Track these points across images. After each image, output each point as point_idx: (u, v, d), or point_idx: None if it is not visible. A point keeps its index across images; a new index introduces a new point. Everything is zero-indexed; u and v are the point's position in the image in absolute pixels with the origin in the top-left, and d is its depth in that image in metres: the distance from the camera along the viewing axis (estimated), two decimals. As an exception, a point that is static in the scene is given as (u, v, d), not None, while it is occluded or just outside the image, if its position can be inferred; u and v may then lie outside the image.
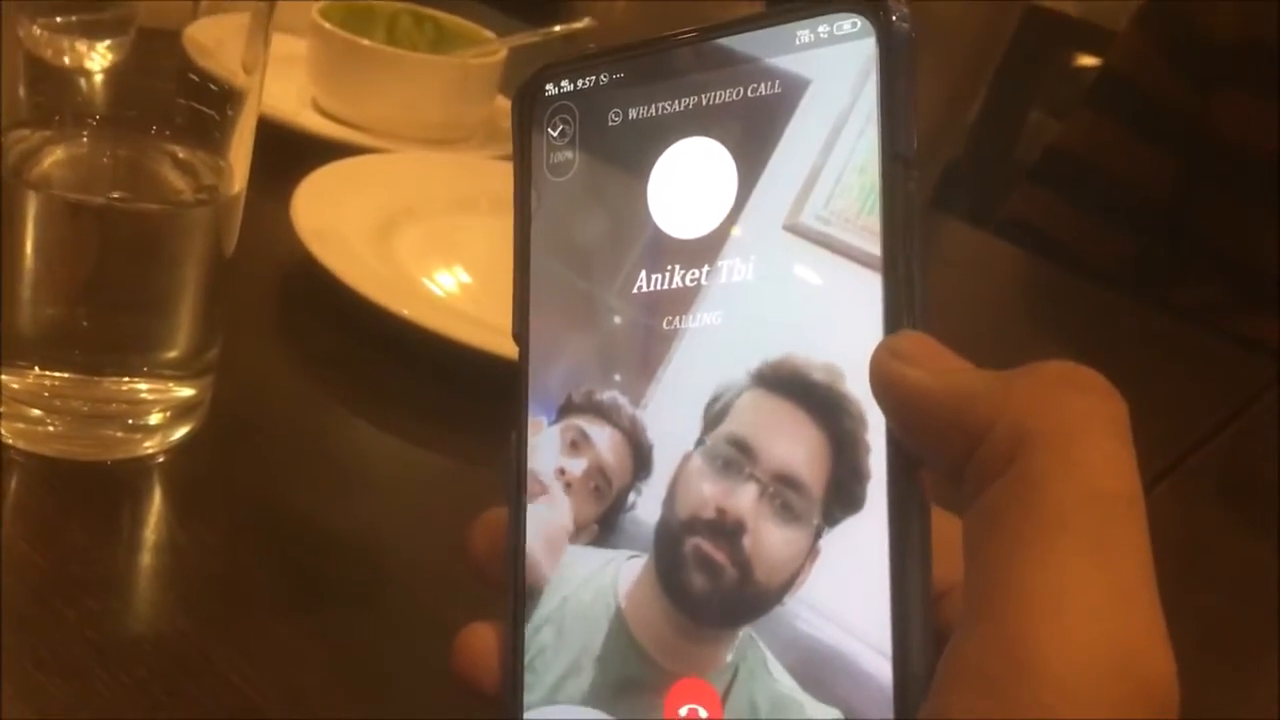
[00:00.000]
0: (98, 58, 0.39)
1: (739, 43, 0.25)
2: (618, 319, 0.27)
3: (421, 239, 0.62)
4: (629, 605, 0.25)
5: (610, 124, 0.27)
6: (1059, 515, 0.19)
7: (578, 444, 0.27)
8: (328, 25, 0.76)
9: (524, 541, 0.27)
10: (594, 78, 0.28)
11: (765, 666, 0.23)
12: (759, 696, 0.23)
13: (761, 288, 0.25)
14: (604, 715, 0.25)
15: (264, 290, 0.57)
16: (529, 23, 0.90)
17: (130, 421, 0.41)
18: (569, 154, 0.28)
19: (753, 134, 0.25)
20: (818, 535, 0.23)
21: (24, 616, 0.33)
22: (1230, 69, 0.97)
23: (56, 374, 0.40)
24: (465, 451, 0.49)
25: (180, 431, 0.43)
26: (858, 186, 0.24)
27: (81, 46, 0.39)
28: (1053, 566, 0.18)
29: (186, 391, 0.42)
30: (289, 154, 0.61)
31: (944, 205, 1.25)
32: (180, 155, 0.41)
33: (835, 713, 0.22)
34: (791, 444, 0.24)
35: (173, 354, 0.41)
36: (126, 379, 0.41)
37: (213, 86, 0.40)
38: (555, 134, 0.28)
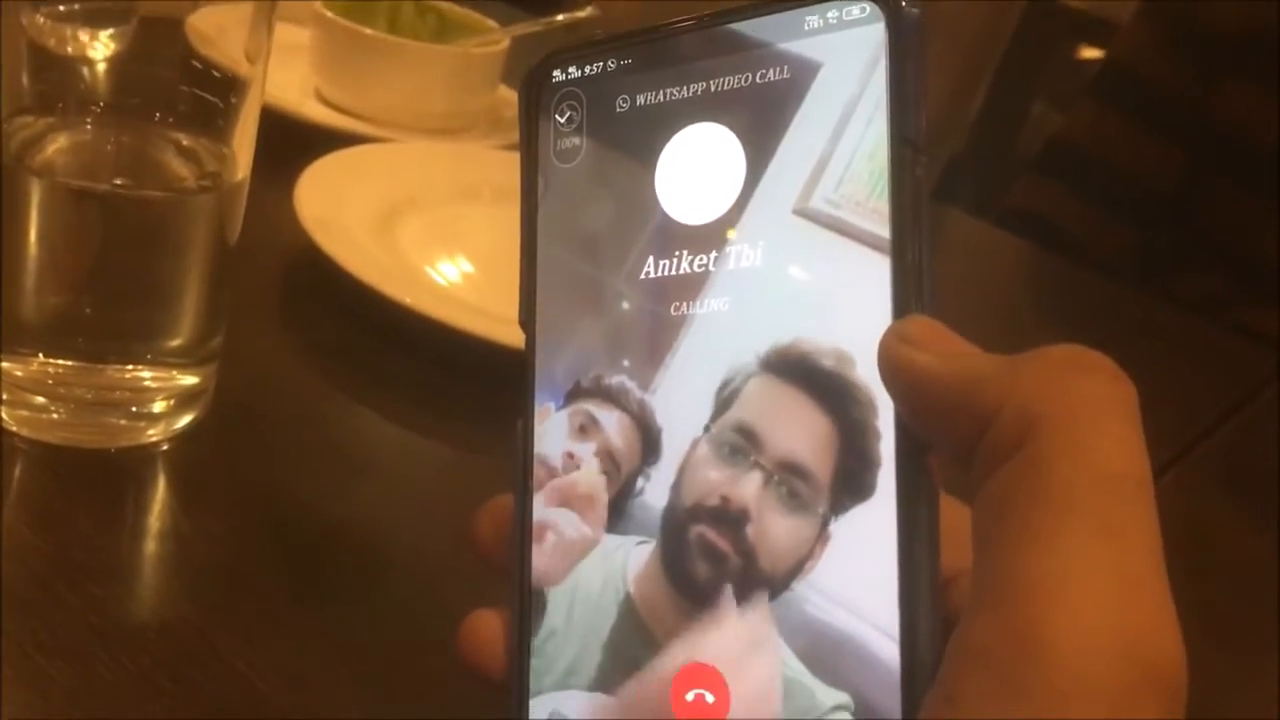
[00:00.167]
0: (100, 46, 0.39)
1: (748, 28, 0.25)
2: (625, 305, 0.27)
3: (424, 228, 0.62)
4: (637, 591, 0.25)
5: (618, 110, 0.27)
6: (1067, 498, 0.19)
7: (586, 428, 0.27)
8: (330, 15, 0.75)
9: (530, 527, 0.27)
10: (601, 64, 0.27)
11: (775, 664, 0.23)
12: (765, 683, 0.23)
13: (770, 273, 0.25)
14: (610, 700, 0.25)
15: (267, 279, 0.57)
16: (531, 12, 0.89)
17: (134, 409, 0.41)
18: (576, 140, 0.28)
19: (762, 119, 0.25)
20: (824, 523, 0.23)
21: (26, 601, 0.33)
22: (1234, 60, 0.97)
23: (60, 361, 0.40)
24: (468, 440, 0.49)
25: (184, 419, 0.43)
26: (867, 172, 0.24)
27: (84, 35, 0.39)
28: (1061, 550, 0.18)
29: (190, 379, 0.42)
30: (292, 144, 0.61)
31: (947, 197, 1.25)
32: (184, 143, 0.41)
33: (843, 696, 0.22)
34: (798, 431, 0.24)
35: (176, 342, 0.41)
36: (130, 367, 0.41)
37: (216, 74, 0.39)
38: (562, 120, 0.28)
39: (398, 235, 0.60)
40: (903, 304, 0.22)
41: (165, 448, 0.42)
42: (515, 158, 0.29)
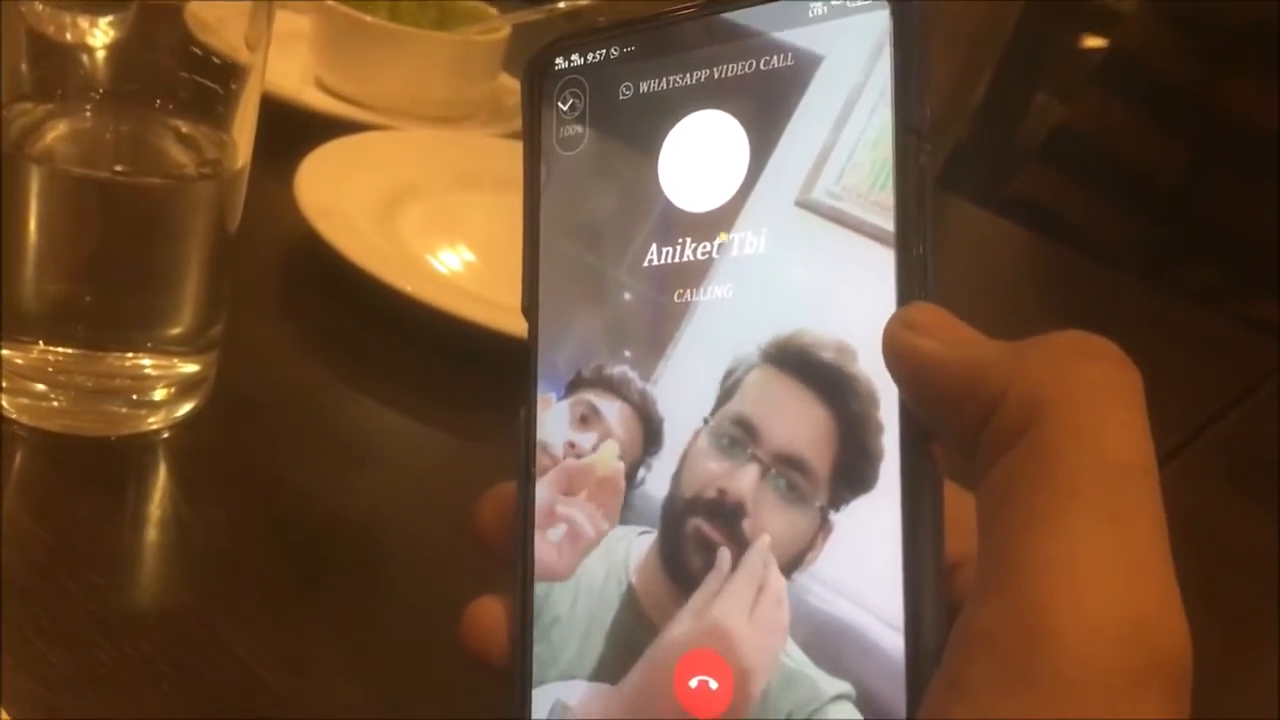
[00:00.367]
0: (99, 34, 0.39)
1: (752, 16, 0.25)
2: (628, 293, 0.27)
3: (424, 217, 0.62)
4: (639, 581, 0.25)
5: (621, 97, 0.27)
6: (1072, 484, 0.18)
7: (587, 418, 0.27)
8: (331, 1, 0.75)
9: (533, 516, 0.27)
10: (605, 51, 0.27)
11: (778, 649, 0.23)
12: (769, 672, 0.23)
13: (773, 262, 0.25)
14: (613, 689, 0.25)
15: (268, 267, 0.57)
16: None
17: (134, 397, 0.41)
18: (579, 128, 0.28)
19: (766, 107, 0.25)
20: (825, 514, 0.23)
21: (27, 589, 0.33)
22: (1240, 50, 0.97)
23: (60, 349, 0.40)
24: (469, 428, 0.49)
25: (184, 407, 0.43)
26: (869, 163, 0.23)
27: (83, 22, 0.38)
28: (1066, 535, 0.18)
29: (191, 367, 0.42)
30: (292, 131, 0.60)
31: (949, 186, 1.24)
32: (183, 130, 0.41)
33: (845, 685, 0.22)
34: (798, 425, 0.24)
35: (177, 330, 0.41)
36: (130, 354, 0.41)
37: (216, 60, 0.39)
38: (565, 108, 0.28)
39: (398, 223, 0.60)
40: (907, 292, 0.22)
41: (166, 436, 0.42)
42: (516, 146, 0.29)
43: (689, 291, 0.26)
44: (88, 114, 0.40)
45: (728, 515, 0.24)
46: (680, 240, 0.26)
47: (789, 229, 0.25)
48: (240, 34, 0.39)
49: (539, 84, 0.28)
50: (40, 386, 0.40)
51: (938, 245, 0.23)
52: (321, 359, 0.52)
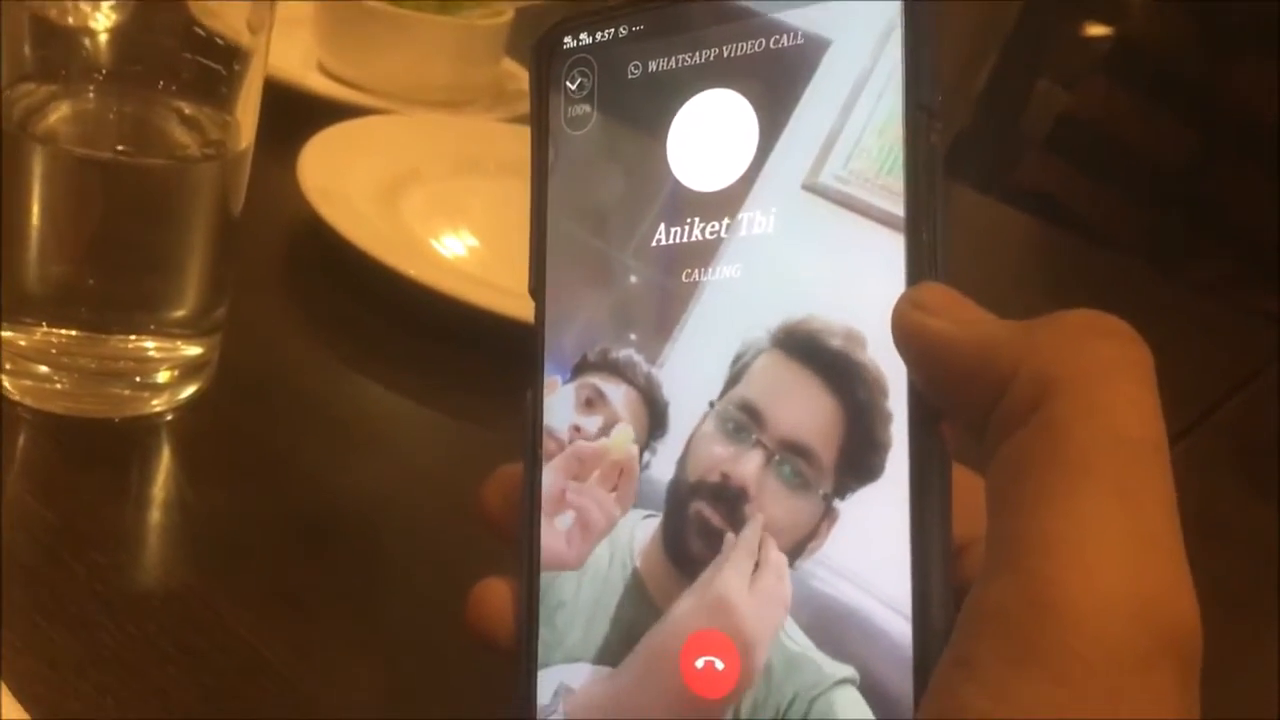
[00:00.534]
0: (101, 18, 0.39)
1: None
2: (635, 275, 0.26)
3: (427, 201, 0.62)
4: (644, 564, 0.25)
5: (630, 77, 0.27)
6: (1082, 461, 0.18)
7: (593, 402, 0.27)
8: (333, -15, 0.75)
9: (539, 498, 0.27)
10: (613, 30, 0.27)
11: (780, 625, 0.23)
12: (773, 656, 0.23)
13: (782, 242, 0.24)
14: (619, 671, 0.25)
15: (271, 250, 0.57)
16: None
17: (138, 379, 0.41)
18: (587, 108, 0.27)
19: (775, 86, 0.25)
20: (828, 503, 0.23)
21: (31, 570, 0.33)
22: (1247, 38, 0.96)
23: (63, 331, 0.40)
24: (471, 411, 0.49)
25: (188, 390, 0.42)
26: (877, 147, 0.23)
27: (86, 6, 0.38)
28: (1076, 512, 0.18)
29: (194, 350, 0.42)
30: (295, 115, 0.60)
31: (953, 172, 1.24)
32: (186, 111, 0.41)
33: (850, 670, 0.22)
34: (804, 412, 0.23)
35: (180, 312, 0.41)
36: (134, 337, 0.41)
37: (219, 41, 0.39)
38: (573, 87, 0.28)
39: (401, 208, 0.60)
40: (916, 270, 0.22)
41: (169, 418, 0.42)
42: (519, 130, 0.29)
43: (697, 271, 0.25)
44: (91, 95, 0.40)
45: (731, 500, 0.24)
46: (689, 219, 0.26)
47: (797, 212, 0.24)
48: (243, 18, 0.39)
49: (547, 63, 0.28)
50: (43, 369, 0.40)
51: (948, 228, 0.23)
52: (324, 342, 0.52)
